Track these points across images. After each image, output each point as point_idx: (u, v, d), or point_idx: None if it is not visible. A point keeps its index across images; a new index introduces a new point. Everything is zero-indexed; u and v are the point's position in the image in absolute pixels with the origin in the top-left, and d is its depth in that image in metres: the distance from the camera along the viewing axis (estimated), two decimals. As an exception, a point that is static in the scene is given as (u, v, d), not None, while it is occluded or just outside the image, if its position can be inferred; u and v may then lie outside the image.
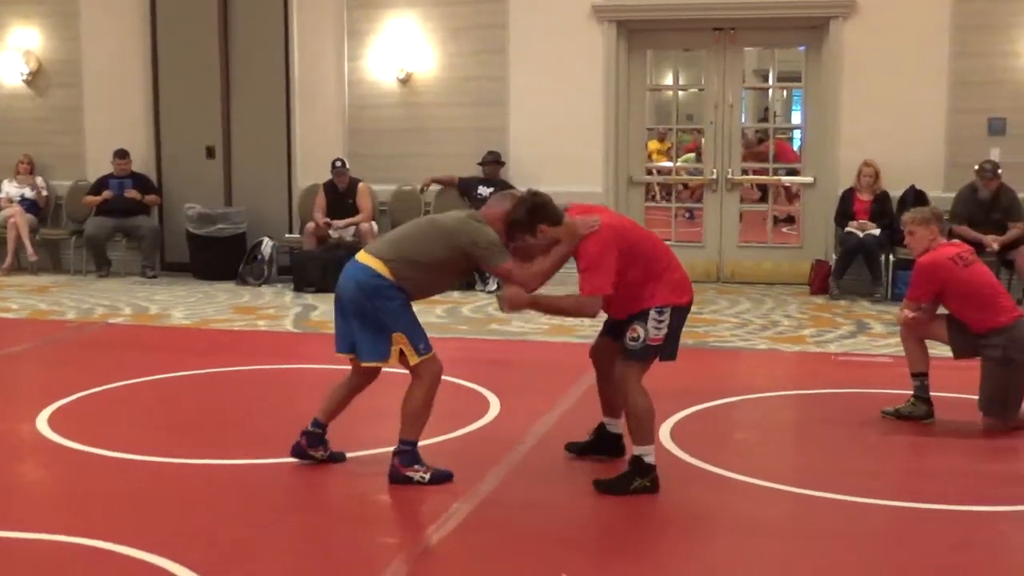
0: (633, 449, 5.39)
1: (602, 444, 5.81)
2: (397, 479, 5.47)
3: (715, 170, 12.16)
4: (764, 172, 13.18)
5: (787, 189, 14.23)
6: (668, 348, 5.46)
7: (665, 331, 5.36)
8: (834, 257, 11.31)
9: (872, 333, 9.37)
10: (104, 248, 12.81)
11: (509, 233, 5.42)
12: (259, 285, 11.98)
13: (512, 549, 4.82)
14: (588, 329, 9.46)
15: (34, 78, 13.28)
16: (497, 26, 12.03)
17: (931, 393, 6.63)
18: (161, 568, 4.45)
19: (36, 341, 9.28)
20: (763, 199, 14.00)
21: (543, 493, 5.44)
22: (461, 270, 5.71)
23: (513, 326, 9.65)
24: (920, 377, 6.63)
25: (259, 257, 12.20)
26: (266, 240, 12.29)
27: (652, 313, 5.33)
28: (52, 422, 6.58)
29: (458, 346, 8.85)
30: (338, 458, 5.80)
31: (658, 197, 15.32)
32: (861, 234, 11.01)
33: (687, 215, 14.15)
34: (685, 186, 13.90)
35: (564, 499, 5.39)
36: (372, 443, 6.03)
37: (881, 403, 6.83)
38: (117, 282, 12.37)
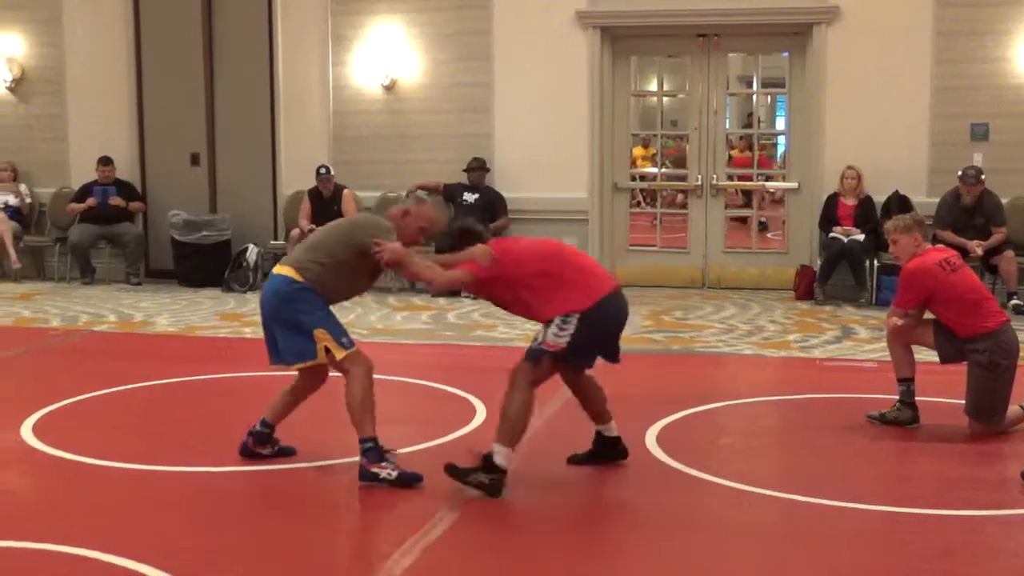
0: (492, 444, 5.42)
1: (603, 450, 5.80)
2: (365, 477, 5.52)
3: (700, 176, 12.18)
4: (748, 178, 13.22)
5: (771, 194, 14.27)
6: (579, 354, 5.48)
7: (567, 339, 5.37)
8: (819, 262, 11.35)
9: (857, 338, 9.40)
10: (88, 255, 12.77)
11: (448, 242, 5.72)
12: (244, 292, 11.95)
13: (498, 555, 4.82)
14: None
15: (17, 85, 13.24)
16: (482, 32, 12.04)
17: (917, 398, 6.65)
18: (144, 575, 4.45)
19: (20, 348, 9.24)
20: (747, 205, 14.03)
21: (528, 498, 5.44)
22: (369, 269, 5.76)
23: (499, 332, 9.65)
24: (906, 382, 6.65)
25: (244, 264, 12.18)
26: (251, 247, 12.27)
27: (556, 320, 5.39)
28: (36, 430, 6.56)
29: (443, 352, 8.85)
30: (288, 451, 5.92)
31: (643, 203, 15.33)
32: (845, 239, 11.04)
33: (654, 221, 13.97)
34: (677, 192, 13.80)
35: (549, 504, 5.39)
36: (356, 450, 6.02)
37: (866, 408, 6.85)
38: (101, 289, 12.33)
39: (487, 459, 5.38)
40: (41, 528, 5.04)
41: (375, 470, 5.49)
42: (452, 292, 10.60)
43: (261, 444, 5.93)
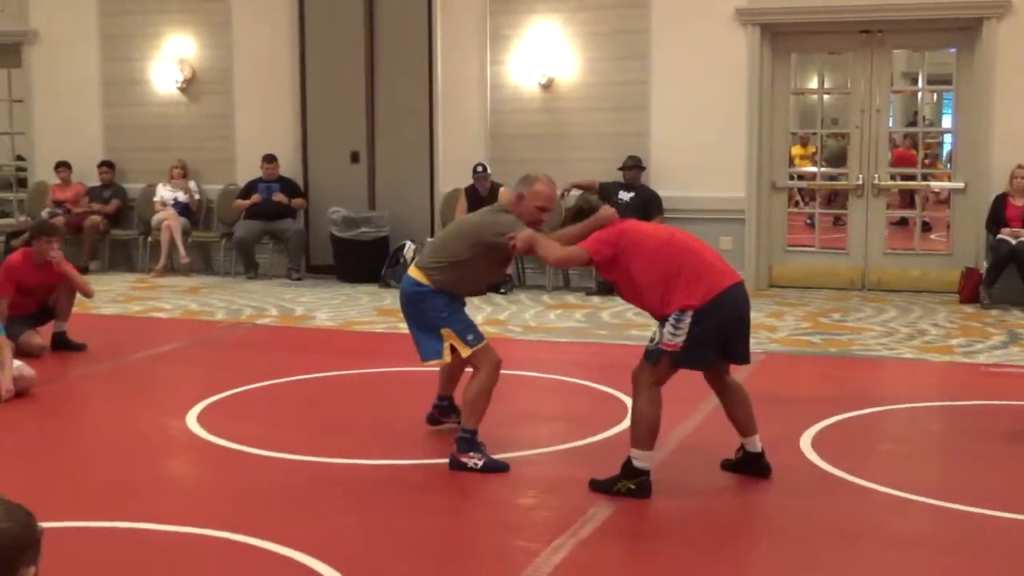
0: (630, 450, 5.37)
1: (747, 464, 5.70)
2: (454, 465, 5.77)
3: (861, 176, 11.92)
4: (911, 177, 12.88)
5: (936, 195, 13.89)
6: (696, 354, 5.30)
7: (683, 338, 5.23)
8: (985, 265, 10.99)
9: (1025, 344, 9.09)
10: (252, 250, 13.15)
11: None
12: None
13: (646, 556, 4.81)
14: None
15: (188, 86, 13.70)
16: (639, 31, 11.99)
17: (1087, 407, 6.41)
18: (304, 565, 4.54)
19: (187, 340, 9.56)
20: (909, 205, 13.69)
21: (679, 500, 5.41)
22: (498, 261, 6.00)
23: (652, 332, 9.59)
24: (1075, 390, 6.42)
25: (401, 260, 12.34)
26: (408, 243, 12.46)
27: (671, 318, 5.27)
28: (201, 419, 6.78)
29: (597, 351, 8.84)
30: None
31: (801, 203, 15.09)
32: (1014, 241, 10.69)
33: (807, 221, 13.75)
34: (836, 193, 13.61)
35: (700, 507, 5.35)
36: (512, 446, 6.08)
37: (1033, 416, 6.62)
38: (264, 284, 12.67)
39: (626, 464, 5.36)
40: (204, 514, 5.21)
41: (463, 460, 5.75)
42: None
43: (445, 415, 6.34)
